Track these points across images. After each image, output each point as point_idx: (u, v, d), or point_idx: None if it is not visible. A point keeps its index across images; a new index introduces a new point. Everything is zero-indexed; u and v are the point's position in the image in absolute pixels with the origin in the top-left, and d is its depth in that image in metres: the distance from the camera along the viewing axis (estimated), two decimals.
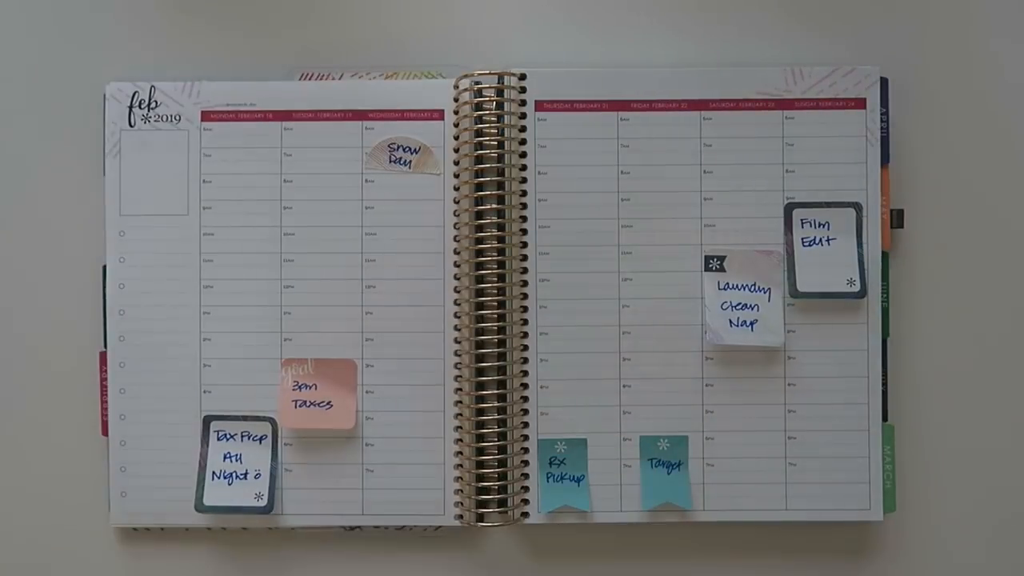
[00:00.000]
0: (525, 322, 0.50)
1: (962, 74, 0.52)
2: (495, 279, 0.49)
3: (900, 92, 0.51)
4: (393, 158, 0.50)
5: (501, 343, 0.49)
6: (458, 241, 0.50)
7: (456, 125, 0.50)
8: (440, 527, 0.50)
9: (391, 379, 0.50)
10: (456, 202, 0.50)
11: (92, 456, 0.50)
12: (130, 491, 0.50)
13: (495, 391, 0.49)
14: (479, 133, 0.49)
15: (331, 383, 0.50)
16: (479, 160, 0.49)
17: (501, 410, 0.49)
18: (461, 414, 0.49)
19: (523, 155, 0.50)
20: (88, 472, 0.51)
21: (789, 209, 0.50)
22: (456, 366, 0.50)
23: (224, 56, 0.48)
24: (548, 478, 0.49)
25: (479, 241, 0.49)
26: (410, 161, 0.50)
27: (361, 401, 0.50)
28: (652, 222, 0.50)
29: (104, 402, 0.50)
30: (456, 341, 0.50)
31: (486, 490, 0.49)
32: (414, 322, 0.50)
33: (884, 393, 0.50)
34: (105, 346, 0.50)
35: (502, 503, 0.49)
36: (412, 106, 0.50)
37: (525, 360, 0.50)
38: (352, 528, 0.50)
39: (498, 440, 0.49)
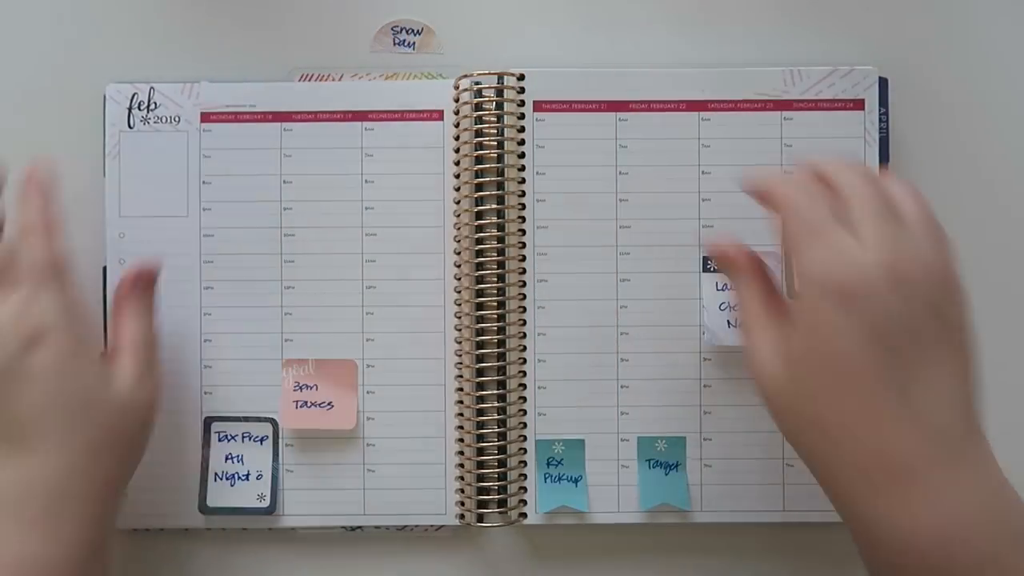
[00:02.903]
0: (524, 323, 0.50)
1: (962, 74, 0.52)
2: (495, 279, 0.49)
3: (899, 92, 0.51)
4: (397, 40, 0.50)
5: (501, 343, 0.49)
6: (458, 242, 0.50)
7: (456, 126, 0.50)
8: (441, 527, 0.50)
9: (391, 379, 0.50)
10: (456, 203, 0.50)
11: None
12: (130, 492, 0.49)
13: (495, 391, 0.49)
14: (479, 133, 0.49)
15: (332, 383, 0.50)
16: (479, 160, 0.49)
17: (501, 410, 0.49)
18: (462, 414, 0.50)
19: (522, 155, 0.50)
20: None
21: None
22: (456, 366, 0.50)
23: (223, 57, 0.48)
24: (546, 479, 0.49)
25: (479, 242, 0.49)
26: (414, 43, 0.51)
27: (362, 401, 0.50)
28: (650, 223, 0.50)
29: None
30: (456, 341, 0.50)
31: (486, 490, 0.49)
32: (414, 322, 0.50)
33: None
34: (106, 348, 0.50)
35: (502, 503, 0.49)
36: (412, 107, 0.50)
37: (523, 361, 0.50)
38: (354, 528, 0.50)
39: (498, 440, 0.49)
